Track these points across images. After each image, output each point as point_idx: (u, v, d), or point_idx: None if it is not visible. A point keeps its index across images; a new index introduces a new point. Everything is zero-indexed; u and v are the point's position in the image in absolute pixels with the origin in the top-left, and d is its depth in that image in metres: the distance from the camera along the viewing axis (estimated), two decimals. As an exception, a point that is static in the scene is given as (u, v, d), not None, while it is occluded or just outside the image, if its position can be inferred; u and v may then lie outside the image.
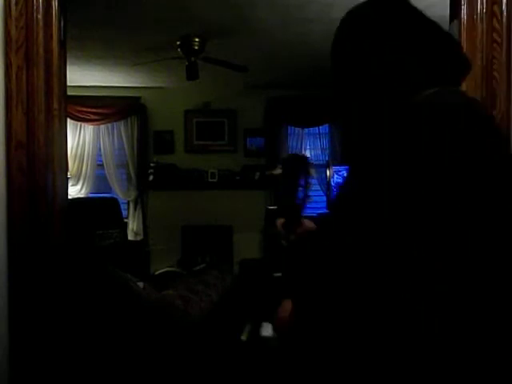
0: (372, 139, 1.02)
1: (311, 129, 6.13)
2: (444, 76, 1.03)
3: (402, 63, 1.03)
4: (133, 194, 6.07)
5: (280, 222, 1.27)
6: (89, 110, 5.79)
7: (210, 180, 5.98)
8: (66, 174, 1.81)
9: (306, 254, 1.11)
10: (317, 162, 6.07)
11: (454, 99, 1.00)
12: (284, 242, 1.25)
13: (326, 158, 6.15)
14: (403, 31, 1.06)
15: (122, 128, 6.03)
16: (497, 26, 1.50)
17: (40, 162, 1.48)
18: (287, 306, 1.17)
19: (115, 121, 6.00)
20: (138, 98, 6.00)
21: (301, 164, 1.28)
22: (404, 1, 1.11)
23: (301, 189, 1.26)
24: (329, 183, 5.97)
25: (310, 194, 1.27)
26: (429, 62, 1.04)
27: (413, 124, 0.94)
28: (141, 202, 6.09)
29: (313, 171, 1.28)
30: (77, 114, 5.71)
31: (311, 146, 6.19)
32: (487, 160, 0.93)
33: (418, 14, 1.10)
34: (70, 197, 5.16)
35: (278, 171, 1.29)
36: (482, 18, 1.51)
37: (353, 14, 1.12)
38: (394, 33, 1.05)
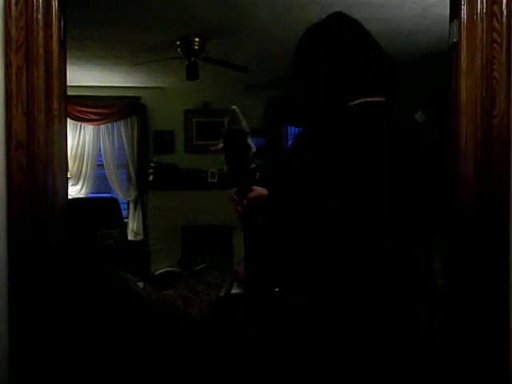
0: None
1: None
2: (375, 87, 1.29)
3: (345, 77, 1.28)
4: (133, 194, 6.07)
5: (233, 191, 1.42)
6: (89, 109, 5.79)
7: (210, 180, 5.97)
8: (66, 174, 1.81)
9: (263, 219, 1.32)
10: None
11: (368, 109, 1.25)
12: (240, 208, 1.39)
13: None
14: (350, 51, 1.29)
15: (122, 128, 6.03)
16: (497, 25, 1.50)
17: (40, 162, 1.48)
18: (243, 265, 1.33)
19: (115, 121, 6.00)
20: (138, 98, 6.00)
21: (238, 138, 1.38)
22: (355, 23, 1.36)
23: (244, 159, 1.39)
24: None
25: (256, 163, 1.42)
26: (366, 77, 1.28)
27: (341, 124, 1.23)
28: (141, 202, 6.09)
29: (251, 143, 1.39)
30: (77, 113, 5.71)
31: (311, 145, 6.19)
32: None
33: (364, 34, 1.34)
34: (70, 197, 5.17)
35: (220, 145, 1.39)
36: (482, 18, 1.51)
37: (311, 32, 1.40)
38: (343, 51, 1.29)
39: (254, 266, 1.39)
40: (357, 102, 1.27)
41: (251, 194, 1.38)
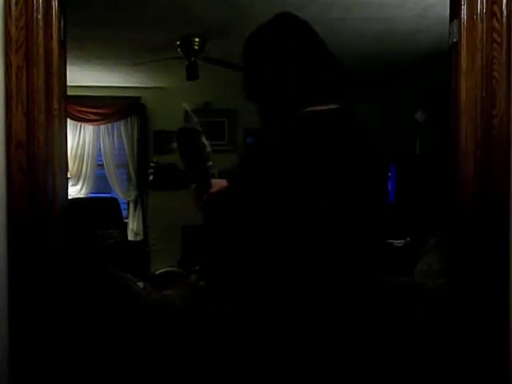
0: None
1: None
2: (325, 95, 1.27)
3: (294, 86, 1.25)
4: (133, 194, 6.06)
5: (192, 187, 1.44)
6: (89, 110, 5.79)
7: (210, 180, 5.97)
8: (66, 174, 1.81)
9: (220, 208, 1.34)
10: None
11: (317, 119, 1.24)
12: (199, 202, 1.43)
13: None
14: (298, 58, 1.26)
15: (122, 128, 6.03)
16: (497, 25, 1.50)
17: (40, 161, 1.48)
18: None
19: (115, 121, 6.00)
20: (137, 98, 6.00)
21: (192, 136, 1.39)
22: (303, 25, 1.31)
23: (200, 158, 1.40)
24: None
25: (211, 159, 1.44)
26: (315, 85, 1.26)
27: (294, 131, 1.22)
28: (141, 201, 6.09)
29: (205, 140, 1.40)
30: (77, 113, 5.71)
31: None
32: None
33: (313, 37, 1.30)
34: (70, 197, 5.17)
35: (175, 145, 1.40)
36: (482, 18, 1.51)
37: (259, 34, 1.33)
38: (291, 59, 1.25)
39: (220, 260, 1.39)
40: (306, 110, 1.26)
41: (212, 190, 1.41)
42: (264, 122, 1.36)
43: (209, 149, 1.42)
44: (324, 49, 1.30)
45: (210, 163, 1.42)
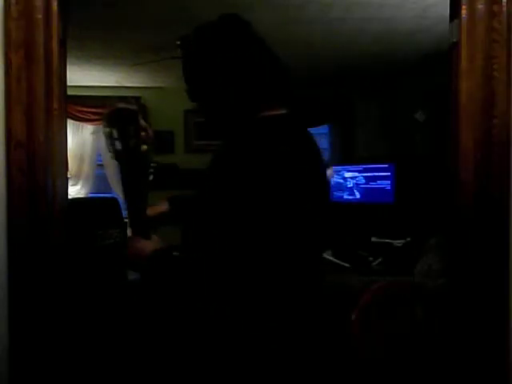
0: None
1: (311, 129, 6.13)
2: (277, 98, 1.26)
3: (244, 91, 1.22)
4: (133, 194, 6.06)
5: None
6: (89, 110, 5.78)
7: (210, 180, 5.97)
8: (66, 174, 1.81)
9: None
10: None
11: (273, 124, 1.22)
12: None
13: (326, 158, 6.16)
14: (247, 62, 1.22)
15: (122, 128, 6.02)
16: (497, 25, 1.50)
17: (40, 161, 1.48)
18: (134, 242, 1.34)
19: (115, 121, 6.00)
20: (138, 98, 5.99)
21: (128, 117, 1.20)
22: (249, 28, 1.27)
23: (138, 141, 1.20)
24: (329, 183, 5.98)
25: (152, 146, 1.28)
26: (268, 88, 1.24)
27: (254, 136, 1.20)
28: (141, 201, 6.08)
29: (144, 122, 1.23)
30: (77, 113, 5.71)
31: (311, 146, 6.19)
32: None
33: (259, 40, 1.27)
34: (69, 197, 5.16)
35: (106, 130, 1.20)
36: (481, 18, 1.51)
37: (205, 37, 1.31)
38: (241, 63, 1.22)
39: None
40: (260, 116, 1.24)
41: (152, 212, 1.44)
42: (209, 124, 1.35)
43: (150, 133, 1.24)
44: (269, 52, 1.27)
45: (145, 147, 1.24)
